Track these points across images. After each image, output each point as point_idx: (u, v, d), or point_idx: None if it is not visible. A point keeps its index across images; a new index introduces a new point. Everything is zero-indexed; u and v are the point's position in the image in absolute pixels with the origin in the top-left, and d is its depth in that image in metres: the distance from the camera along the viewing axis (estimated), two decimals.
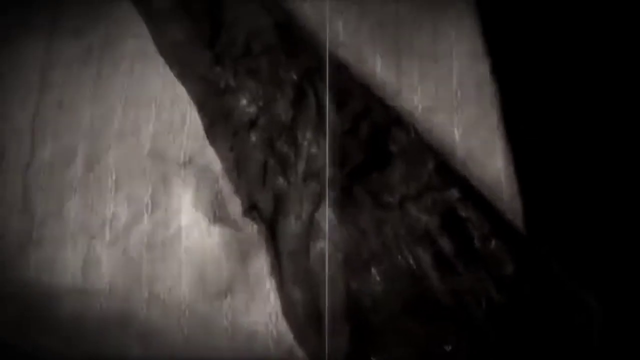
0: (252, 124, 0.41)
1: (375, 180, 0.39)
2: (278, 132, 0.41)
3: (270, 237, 0.40)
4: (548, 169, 0.49)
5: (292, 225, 0.39)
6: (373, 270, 0.37)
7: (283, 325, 0.43)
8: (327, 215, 0.37)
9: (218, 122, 0.43)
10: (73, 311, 0.46)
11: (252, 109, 0.42)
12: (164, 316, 0.45)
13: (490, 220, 0.40)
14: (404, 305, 0.36)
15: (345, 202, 0.38)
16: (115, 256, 0.47)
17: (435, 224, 0.38)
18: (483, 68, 0.49)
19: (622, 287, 0.45)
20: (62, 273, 0.48)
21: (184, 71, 0.45)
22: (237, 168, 0.42)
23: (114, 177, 0.49)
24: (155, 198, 0.48)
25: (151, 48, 0.53)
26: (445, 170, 0.41)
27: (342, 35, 0.51)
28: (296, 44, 0.44)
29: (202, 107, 0.44)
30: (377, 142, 0.40)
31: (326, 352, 0.38)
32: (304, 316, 0.37)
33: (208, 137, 0.45)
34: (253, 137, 0.41)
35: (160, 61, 0.52)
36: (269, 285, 0.44)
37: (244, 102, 0.42)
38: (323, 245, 0.37)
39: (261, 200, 0.40)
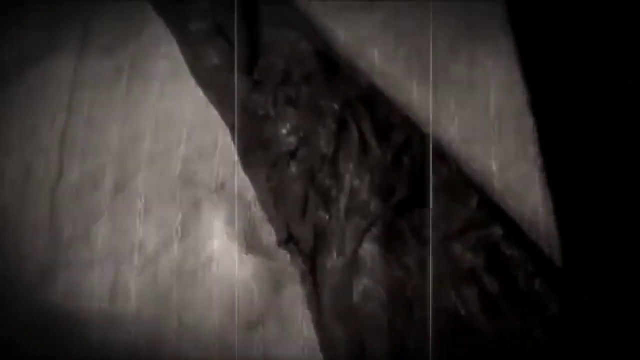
0: (292, 154, 0.41)
1: (418, 216, 0.38)
2: (319, 164, 0.40)
3: (309, 270, 0.39)
4: (586, 203, 0.48)
5: (333, 261, 0.38)
6: (417, 309, 0.36)
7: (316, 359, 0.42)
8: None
9: (255, 150, 0.42)
10: (100, 337, 0.45)
11: (292, 139, 0.41)
12: (194, 346, 0.44)
13: (533, 258, 0.39)
14: (448, 345, 0.35)
15: (388, 238, 0.37)
16: (144, 282, 0.46)
17: (480, 262, 0.37)
18: (521, 99, 0.48)
19: None
20: (89, 298, 0.47)
21: (220, 97, 0.45)
22: (274, 199, 0.41)
23: (143, 201, 0.48)
24: (186, 224, 0.47)
25: (182, 69, 0.52)
26: (488, 206, 0.40)
27: (378, 63, 0.50)
28: (336, 72, 0.43)
29: (238, 135, 0.43)
30: (420, 176, 0.39)
31: None
32: (344, 353, 0.36)
33: (243, 165, 0.44)
34: (293, 168, 0.40)
35: (191, 83, 0.52)
36: (302, 318, 0.43)
37: (283, 131, 0.41)
38: (367, 282, 0.37)
39: (300, 233, 0.39)
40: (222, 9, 0.46)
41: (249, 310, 0.44)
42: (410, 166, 0.40)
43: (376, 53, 0.50)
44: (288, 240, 0.41)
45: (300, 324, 0.43)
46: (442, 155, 0.42)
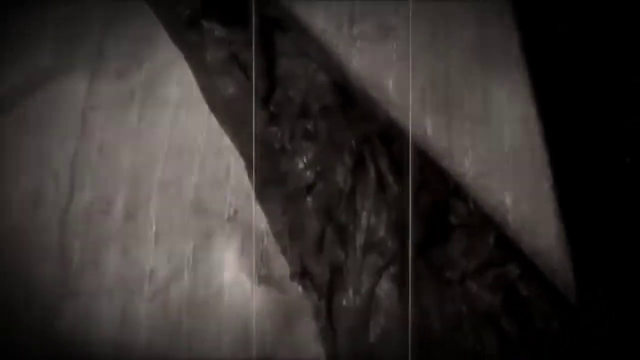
0: (309, 189, 0.40)
1: (437, 255, 0.38)
2: (336, 200, 0.39)
3: (324, 307, 0.38)
4: (601, 237, 0.48)
5: (349, 299, 0.38)
6: (435, 351, 0.36)
7: None
8: None
9: (271, 183, 0.42)
10: None
11: (309, 174, 0.41)
12: None
13: (549, 298, 0.39)
14: None
15: (406, 277, 0.37)
16: (154, 312, 0.46)
17: (497, 302, 0.37)
18: (535, 133, 0.48)
19: None
20: (98, 326, 0.46)
21: (236, 127, 0.44)
22: (289, 232, 0.40)
23: (154, 229, 0.48)
24: (197, 253, 0.47)
25: (195, 96, 0.52)
26: (504, 243, 0.40)
27: (393, 94, 0.50)
28: (353, 105, 0.43)
29: (253, 166, 0.43)
30: (438, 213, 0.39)
31: None
32: None
33: (258, 198, 0.44)
34: (309, 204, 0.40)
35: (204, 110, 0.51)
36: (316, 354, 0.42)
37: (300, 166, 0.41)
38: (384, 322, 0.36)
39: (315, 268, 0.39)
40: (238, 39, 0.46)
41: (260, 343, 0.44)
42: (428, 204, 0.40)
43: (391, 84, 0.50)
44: (303, 275, 0.40)
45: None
46: (460, 192, 0.42)
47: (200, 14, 0.48)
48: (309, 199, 0.41)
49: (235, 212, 0.47)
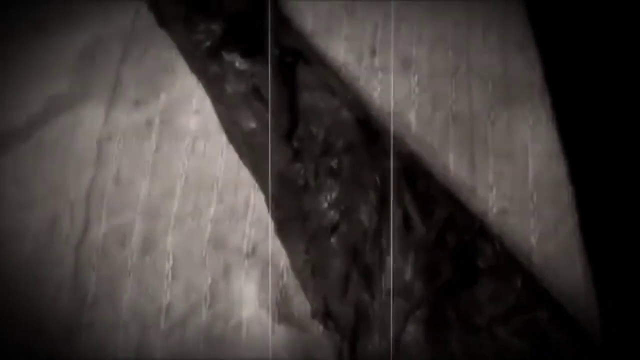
0: (333, 229, 0.39)
1: (464, 299, 0.37)
2: (362, 240, 0.39)
3: (347, 349, 0.37)
4: (628, 277, 0.47)
5: (375, 344, 0.37)
6: None
7: None
8: None
9: (293, 221, 0.41)
10: None
11: (334, 213, 0.40)
12: None
13: (579, 343, 0.38)
14: None
15: (433, 322, 0.36)
16: (170, 347, 0.45)
17: (526, 348, 0.36)
18: (559, 169, 0.48)
19: None
20: None
21: (257, 162, 0.44)
22: (312, 271, 0.40)
23: (171, 263, 0.47)
24: (215, 289, 0.46)
25: (213, 127, 0.52)
26: (531, 286, 0.39)
27: (414, 128, 0.49)
28: (376, 141, 0.42)
29: (275, 203, 0.42)
30: (464, 255, 0.38)
31: None
32: None
33: (278, 234, 0.43)
34: (333, 244, 0.39)
35: (222, 141, 0.51)
36: None
37: (324, 205, 0.40)
38: None
39: (339, 310, 0.38)
40: (260, 72, 0.45)
41: None
42: (454, 245, 0.39)
43: (412, 117, 0.50)
44: (325, 315, 0.39)
45: None
46: (485, 231, 0.41)
47: (220, 45, 0.47)
48: (333, 238, 0.40)
49: (254, 247, 0.47)
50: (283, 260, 0.46)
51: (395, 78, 0.51)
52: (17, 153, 0.53)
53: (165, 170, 0.50)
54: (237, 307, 0.45)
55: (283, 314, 0.44)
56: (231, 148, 0.49)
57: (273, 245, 0.46)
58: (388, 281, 0.37)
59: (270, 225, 0.45)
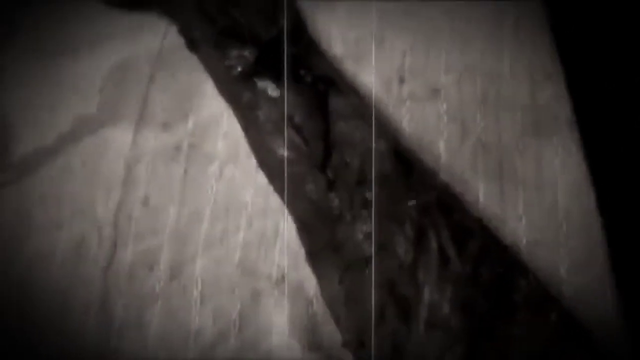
0: (368, 261, 0.39)
1: (500, 333, 0.37)
2: (397, 273, 0.39)
3: None
4: None
5: None
6: None
7: None
8: None
9: (326, 251, 0.41)
10: None
11: (369, 245, 0.40)
12: None
13: None
14: None
15: (470, 356, 0.36)
16: None
17: None
18: (589, 200, 0.48)
19: None
20: None
21: (290, 190, 0.44)
22: (345, 302, 0.39)
23: (199, 288, 0.47)
24: (244, 315, 0.46)
25: (242, 151, 0.52)
26: (566, 320, 0.39)
27: (444, 157, 0.49)
28: (411, 173, 0.43)
29: (307, 231, 0.42)
30: (499, 289, 0.38)
31: None
32: None
33: (310, 264, 0.43)
34: (369, 275, 0.39)
35: (252, 166, 0.51)
36: None
37: (359, 236, 0.40)
38: None
39: (374, 343, 0.38)
40: (293, 99, 0.45)
41: None
42: (489, 278, 0.39)
43: (442, 146, 0.50)
44: (359, 346, 0.39)
45: None
46: (518, 264, 0.41)
47: (253, 70, 0.47)
48: (368, 270, 0.40)
49: (284, 274, 0.46)
50: (313, 288, 0.46)
51: (425, 104, 0.51)
52: (44, 173, 0.53)
53: (194, 194, 0.50)
54: (267, 334, 0.45)
55: (312, 342, 0.44)
56: (260, 173, 0.49)
57: (303, 273, 0.46)
58: (425, 313, 0.37)
59: (301, 252, 0.45)
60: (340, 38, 0.55)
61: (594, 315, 0.44)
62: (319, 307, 0.45)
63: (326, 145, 0.43)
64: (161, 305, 0.47)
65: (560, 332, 0.38)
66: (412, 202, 0.38)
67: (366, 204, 0.41)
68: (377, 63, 0.53)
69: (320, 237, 0.42)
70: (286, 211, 0.47)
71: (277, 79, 0.47)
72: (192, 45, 0.52)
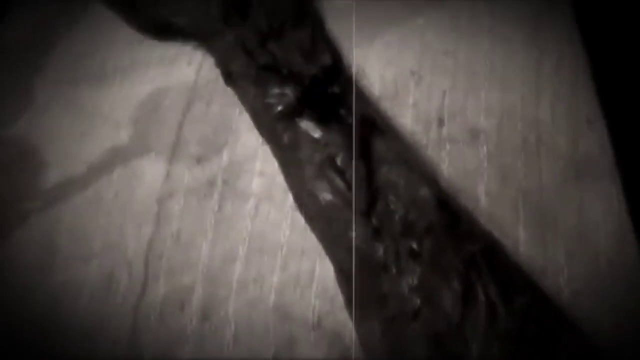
0: (415, 315, 0.38)
1: None
2: (445, 328, 0.38)
3: None
4: None
5: None
6: None
7: None
8: None
9: (368, 301, 0.40)
10: None
11: (415, 298, 0.39)
12: None
13: None
14: None
15: None
16: None
17: None
18: (631, 249, 0.47)
19: None
20: None
21: (332, 235, 0.43)
22: (388, 355, 0.38)
23: (232, 330, 0.46)
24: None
25: (278, 190, 0.51)
26: None
27: (484, 202, 0.49)
28: (457, 223, 0.42)
29: (347, 279, 0.41)
30: (546, 344, 0.37)
31: None
32: None
33: (351, 313, 0.41)
34: (415, 330, 0.38)
35: (288, 206, 0.50)
36: None
37: (405, 289, 0.39)
38: None
39: None
40: (335, 141, 0.44)
41: None
42: (536, 334, 0.38)
43: (482, 191, 0.49)
44: None
45: None
46: (566, 321, 0.40)
47: (294, 110, 0.47)
48: (414, 325, 0.39)
49: (320, 318, 0.45)
50: (348, 333, 0.45)
51: (464, 147, 0.50)
52: (74, 204, 0.52)
53: (228, 232, 0.49)
54: None
55: None
56: (297, 214, 0.48)
57: (339, 318, 0.45)
58: None
59: (338, 297, 0.44)
60: (378, 76, 0.54)
61: None
62: (357, 354, 0.44)
63: (370, 192, 0.42)
64: (192, 346, 0.46)
65: None
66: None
67: (412, 255, 0.40)
68: (416, 103, 0.53)
69: (363, 287, 0.41)
70: (322, 253, 0.46)
71: (319, 119, 0.47)
72: (229, 78, 0.52)
